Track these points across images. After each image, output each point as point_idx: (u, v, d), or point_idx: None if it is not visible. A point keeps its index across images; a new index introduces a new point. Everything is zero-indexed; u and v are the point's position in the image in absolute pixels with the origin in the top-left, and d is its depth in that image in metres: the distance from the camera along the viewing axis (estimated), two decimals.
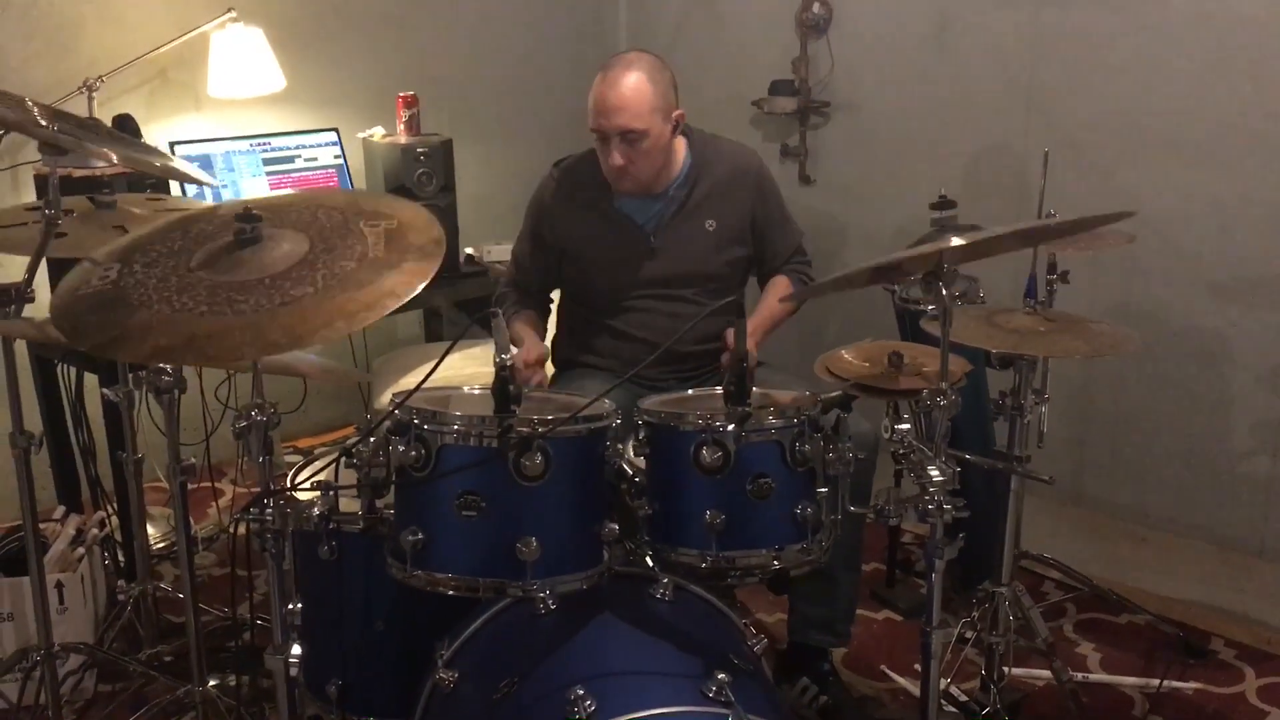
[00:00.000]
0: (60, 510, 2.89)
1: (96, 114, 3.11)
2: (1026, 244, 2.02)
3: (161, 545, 3.12)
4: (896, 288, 2.74)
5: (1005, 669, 2.37)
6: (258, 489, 1.62)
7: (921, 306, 2.66)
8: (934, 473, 1.68)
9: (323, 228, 1.59)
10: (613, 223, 2.61)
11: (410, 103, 3.49)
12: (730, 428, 1.70)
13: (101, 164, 2.68)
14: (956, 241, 1.62)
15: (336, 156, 3.58)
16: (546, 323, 2.78)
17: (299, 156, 3.52)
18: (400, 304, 1.44)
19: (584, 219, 2.62)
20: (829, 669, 2.52)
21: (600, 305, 2.64)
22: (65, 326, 1.49)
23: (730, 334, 2.42)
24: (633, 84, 2.45)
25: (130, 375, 2.39)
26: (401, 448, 1.64)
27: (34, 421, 2.44)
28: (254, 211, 1.58)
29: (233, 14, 3.40)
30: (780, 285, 2.70)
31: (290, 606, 1.64)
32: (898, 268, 1.75)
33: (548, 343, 2.72)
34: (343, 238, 1.56)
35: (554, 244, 2.66)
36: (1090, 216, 1.78)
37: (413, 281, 1.46)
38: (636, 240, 2.60)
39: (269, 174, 3.43)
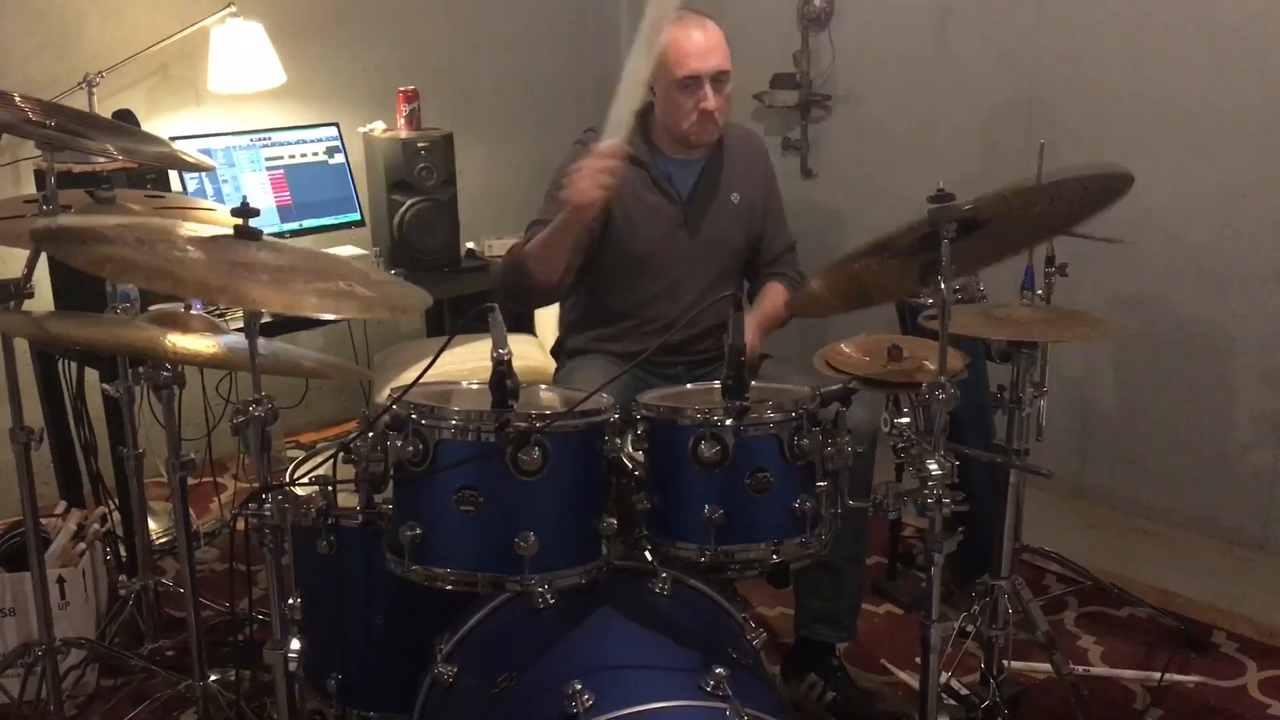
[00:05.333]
0: (61, 505, 2.90)
1: (97, 109, 3.12)
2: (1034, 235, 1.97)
3: (163, 540, 3.12)
4: None
5: (1005, 662, 2.37)
6: (258, 484, 1.62)
7: (921, 300, 2.67)
8: (933, 466, 1.67)
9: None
10: (656, 184, 2.61)
11: (411, 97, 3.49)
12: (729, 422, 1.70)
13: (101, 159, 2.68)
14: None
15: (337, 151, 3.58)
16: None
17: (300, 151, 3.51)
18: None
19: (633, 180, 2.58)
20: (837, 664, 2.52)
21: (629, 278, 2.61)
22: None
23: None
24: (713, 29, 2.51)
25: (130, 371, 2.39)
26: (399, 443, 1.64)
27: (35, 417, 2.45)
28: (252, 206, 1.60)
29: (233, 9, 3.40)
30: (776, 290, 2.69)
31: (289, 601, 1.65)
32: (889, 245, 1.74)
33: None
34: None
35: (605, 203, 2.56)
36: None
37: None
38: (675, 207, 2.62)
39: (269, 169, 3.43)
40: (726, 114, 2.57)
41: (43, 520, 2.58)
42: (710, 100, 2.50)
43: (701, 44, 2.49)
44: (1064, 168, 1.75)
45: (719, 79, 2.51)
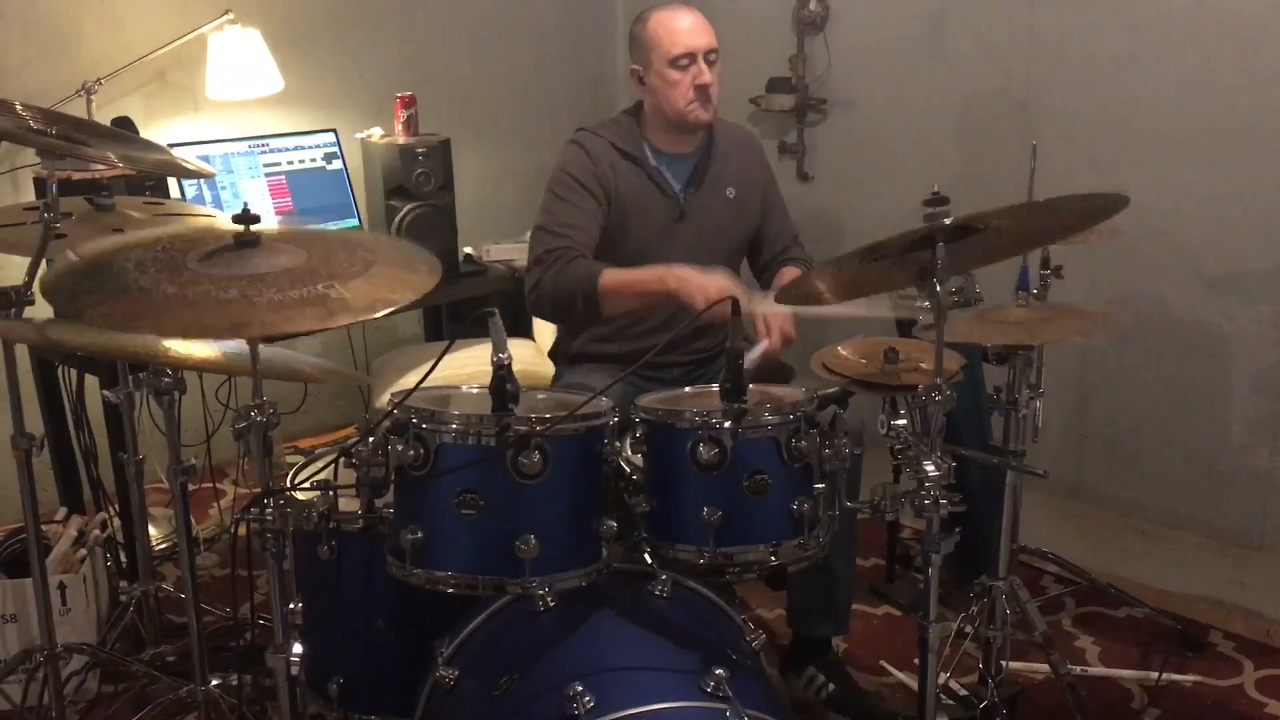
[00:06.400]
0: (62, 512, 2.90)
1: (95, 116, 3.12)
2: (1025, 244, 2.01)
3: (163, 546, 3.13)
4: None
5: (1003, 663, 2.38)
6: (258, 489, 1.63)
7: (918, 304, 2.68)
8: (930, 468, 1.68)
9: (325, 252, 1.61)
10: (651, 180, 2.63)
11: (408, 103, 3.50)
12: (727, 425, 1.71)
13: (100, 166, 2.69)
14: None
15: (335, 157, 3.59)
16: None
17: (298, 157, 3.52)
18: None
19: (628, 174, 2.62)
20: (835, 658, 2.54)
21: None
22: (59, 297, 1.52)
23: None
24: (698, 13, 2.57)
25: (130, 377, 2.39)
26: (400, 447, 1.65)
27: (35, 424, 2.46)
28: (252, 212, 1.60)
29: (230, 16, 3.41)
30: (791, 272, 2.71)
31: (291, 606, 1.65)
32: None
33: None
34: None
35: (605, 199, 2.59)
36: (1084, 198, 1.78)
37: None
38: (670, 201, 2.64)
39: (267, 175, 3.44)
40: (717, 94, 2.59)
41: (44, 526, 2.59)
42: (706, 74, 2.54)
43: (691, 24, 2.55)
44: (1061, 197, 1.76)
45: (710, 56, 2.56)
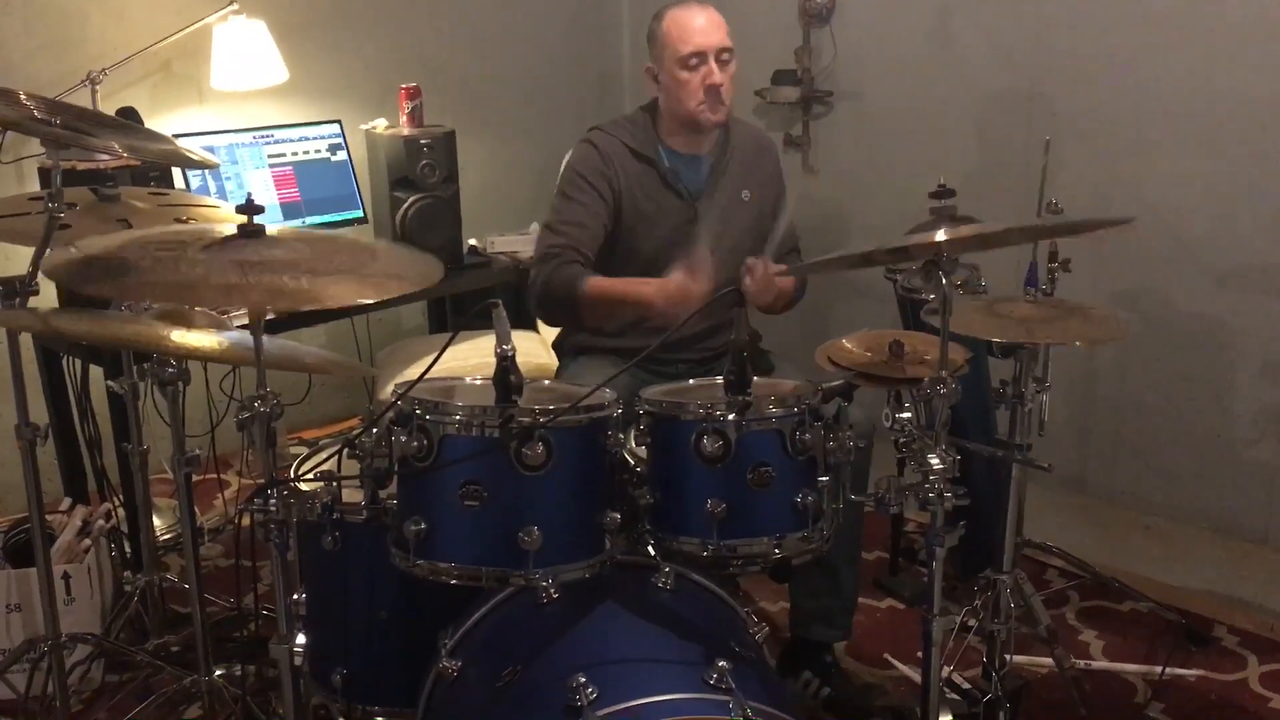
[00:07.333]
0: (67, 502, 2.91)
1: (100, 107, 3.12)
2: (1026, 239, 2.03)
3: (167, 536, 3.13)
4: (898, 276, 2.75)
5: (1007, 656, 2.37)
6: (262, 480, 1.63)
7: (923, 295, 2.67)
8: (934, 461, 1.68)
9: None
10: (664, 180, 2.61)
11: (413, 94, 3.49)
12: (731, 417, 1.70)
13: (105, 157, 2.69)
14: (942, 236, 1.62)
15: (340, 149, 3.59)
16: None
17: (302, 148, 3.52)
18: None
19: (641, 175, 2.59)
20: (831, 661, 2.53)
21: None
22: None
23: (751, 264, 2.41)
24: (714, 11, 2.56)
25: (135, 367, 2.39)
26: (404, 438, 1.65)
27: (40, 413, 2.46)
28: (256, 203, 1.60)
29: (235, 6, 3.41)
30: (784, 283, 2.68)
31: (295, 597, 1.65)
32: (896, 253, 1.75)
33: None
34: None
35: (613, 201, 2.58)
36: (1090, 220, 1.78)
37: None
38: (684, 203, 2.62)
39: (272, 166, 3.44)
40: (731, 95, 2.57)
41: (48, 517, 2.58)
42: (716, 75, 2.51)
43: (704, 22, 2.52)
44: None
45: (723, 56, 2.53)
